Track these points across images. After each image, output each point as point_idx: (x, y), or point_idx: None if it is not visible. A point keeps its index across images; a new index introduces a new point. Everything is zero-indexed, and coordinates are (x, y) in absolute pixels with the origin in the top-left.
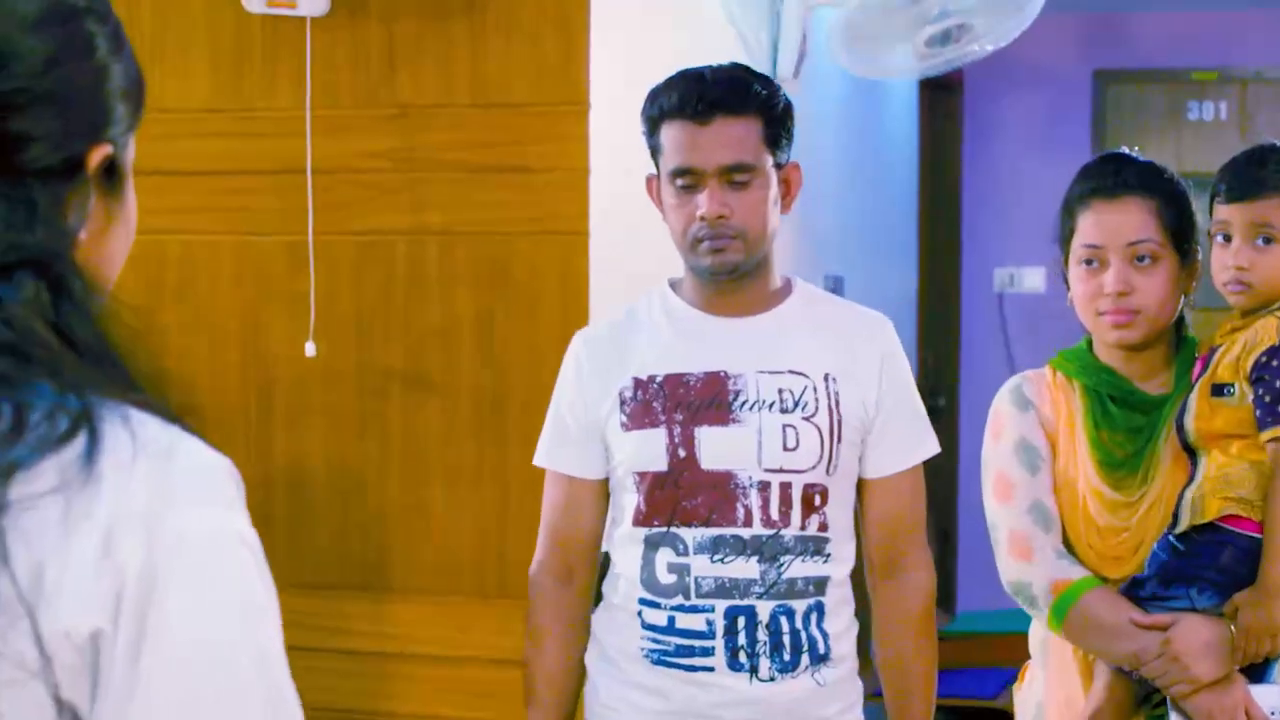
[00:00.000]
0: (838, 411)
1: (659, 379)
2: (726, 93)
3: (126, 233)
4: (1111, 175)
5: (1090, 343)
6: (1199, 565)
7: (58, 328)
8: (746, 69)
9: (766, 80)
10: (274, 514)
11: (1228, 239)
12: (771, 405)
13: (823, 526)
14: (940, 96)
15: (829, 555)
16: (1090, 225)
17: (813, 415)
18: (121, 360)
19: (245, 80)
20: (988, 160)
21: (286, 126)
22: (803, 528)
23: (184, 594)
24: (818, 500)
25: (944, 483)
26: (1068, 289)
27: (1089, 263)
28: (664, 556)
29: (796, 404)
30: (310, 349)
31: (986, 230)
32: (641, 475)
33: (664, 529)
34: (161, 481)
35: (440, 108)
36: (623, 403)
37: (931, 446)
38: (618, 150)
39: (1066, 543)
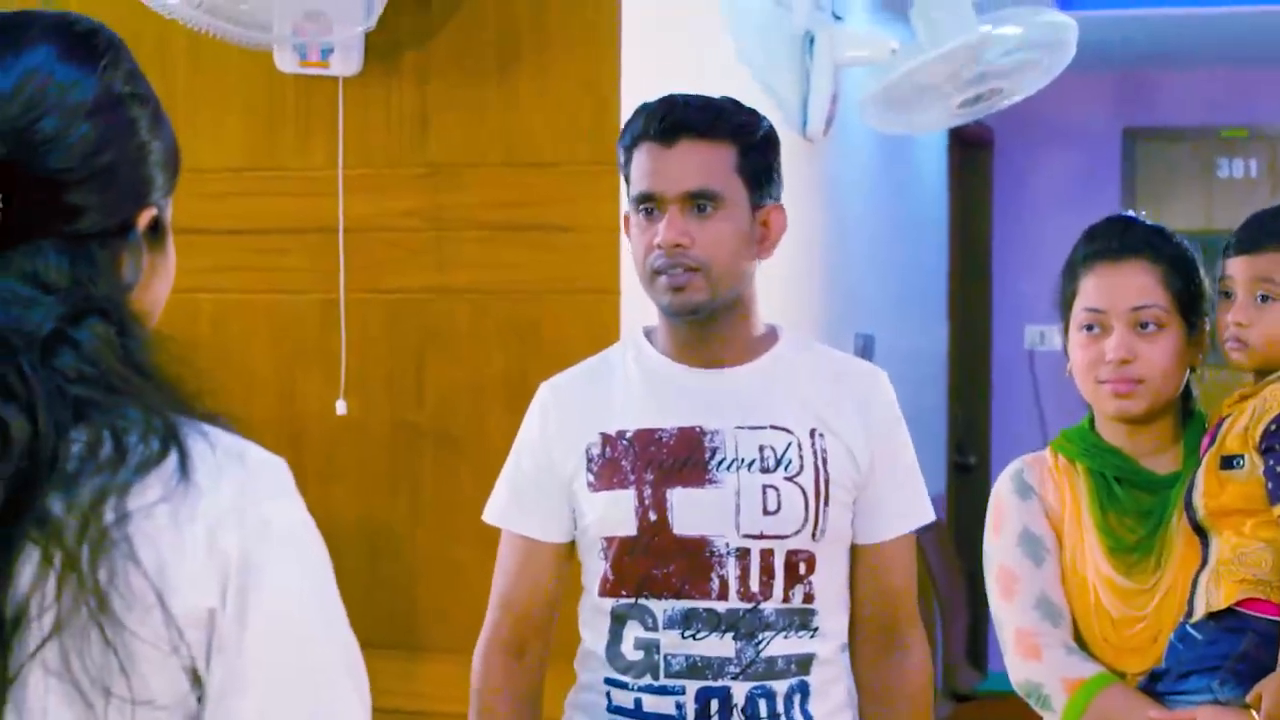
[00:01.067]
0: (825, 470)
1: (629, 434)
2: (695, 114)
3: (167, 282)
4: (1116, 237)
5: (1092, 421)
6: (1218, 654)
7: (127, 362)
8: (734, 101)
9: (750, 111)
10: None
11: (1228, 295)
12: (751, 464)
13: (808, 598)
14: (971, 154)
15: (816, 629)
16: (1092, 288)
17: (797, 475)
18: (176, 384)
19: (278, 140)
20: (1018, 218)
21: (319, 186)
22: (785, 599)
23: (273, 572)
24: (803, 568)
25: (975, 538)
26: (1067, 358)
27: (1090, 328)
28: (632, 631)
29: (779, 462)
30: (341, 407)
31: (1017, 288)
32: (609, 540)
33: (631, 600)
34: (242, 481)
35: (472, 167)
36: (590, 460)
37: (927, 513)
38: None
39: (1079, 638)
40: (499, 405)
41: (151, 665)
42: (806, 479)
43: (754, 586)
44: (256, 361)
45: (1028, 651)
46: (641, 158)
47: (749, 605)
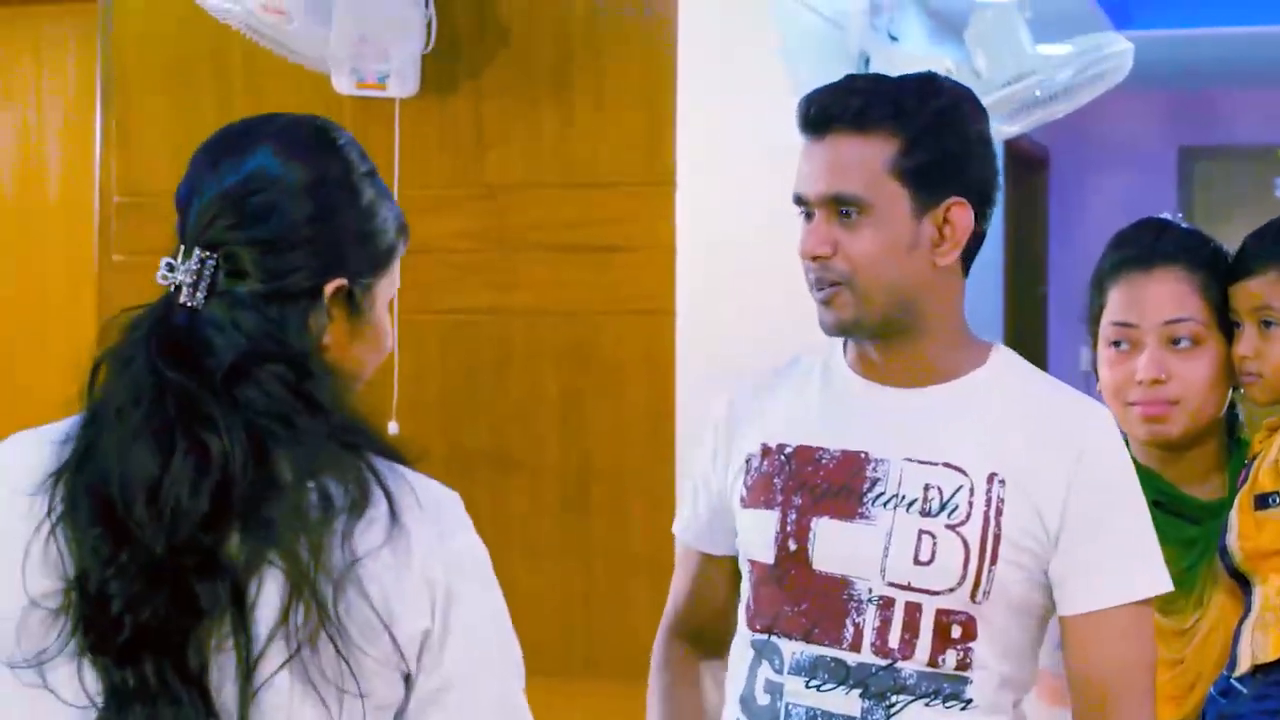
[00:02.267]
0: (996, 523)
1: (789, 449)
2: (846, 101)
3: (374, 347)
4: (1148, 243)
5: (1129, 441)
6: (1266, 711)
7: (303, 399)
8: (920, 80)
9: (928, 92)
10: None
11: (1238, 326)
12: (911, 504)
13: (963, 665)
14: (1026, 173)
15: (969, 703)
16: (1121, 300)
17: (960, 524)
18: (354, 422)
19: None
20: (1074, 237)
21: None
22: (932, 664)
23: (469, 595)
24: (957, 632)
25: None
26: (1096, 377)
27: (1118, 344)
28: (763, 672)
29: (943, 507)
30: (393, 427)
31: (1073, 309)
32: (752, 564)
33: (765, 636)
34: (436, 518)
35: (528, 187)
36: (747, 471)
37: (1154, 582)
38: (704, 229)
39: None
40: (554, 426)
41: (377, 675)
42: (971, 530)
43: (892, 642)
44: None
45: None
46: (801, 152)
47: (884, 662)
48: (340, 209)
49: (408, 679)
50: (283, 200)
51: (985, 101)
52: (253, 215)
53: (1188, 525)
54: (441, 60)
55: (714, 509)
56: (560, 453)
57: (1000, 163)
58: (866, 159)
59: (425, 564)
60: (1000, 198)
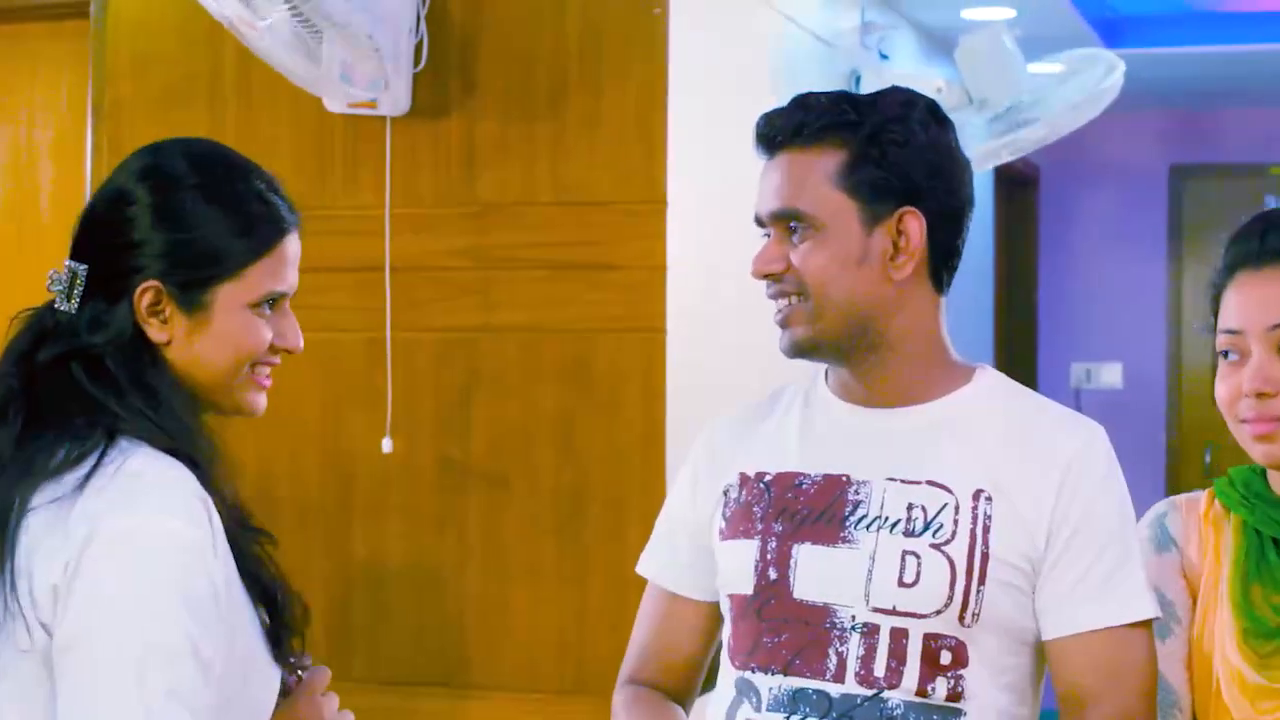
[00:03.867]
0: (984, 542)
1: (768, 477)
2: (791, 117)
3: (224, 345)
4: (1256, 239)
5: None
6: None
7: (101, 384)
8: (871, 93)
9: (873, 102)
10: (352, 609)
11: (1227, 355)
12: (895, 525)
13: (954, 695)
14: (1017, 191)
15: None
16: (1230, 305)
17: (946, 543)
18: (160, 414)
19: (326, 179)
20: (1064, 255)
21: (366, 225)
22: (921, 693)
23: (103, 570)
24: (946, 658)
25: None
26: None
27: (1226, 354)
28: (743, 712)
29: (927, 526)
30: (387, 445)
31: (1063, 325)
32: (732, 599)
33: (743, 673)
34: (119, 495)
35: (520, 206)
36: (726, 504)
37: (1147, 606)
38: (696, 248)
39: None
40: (547, 444)
41: (17, 617)
42: (957, 549)
43: (878, 670)
44: (303, 399)
45: None
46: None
47: (869, 692)
48: (136, 222)
49: (48, 630)
50: (101, 215)
51: (978, 144)
52: (83, 230)
53: None
54: (433, 79)
55: (696, 549)
56: (554, 471)
57: (990, 181)
58: (812, 173)
59: (74, 528)
60: (989, 213)
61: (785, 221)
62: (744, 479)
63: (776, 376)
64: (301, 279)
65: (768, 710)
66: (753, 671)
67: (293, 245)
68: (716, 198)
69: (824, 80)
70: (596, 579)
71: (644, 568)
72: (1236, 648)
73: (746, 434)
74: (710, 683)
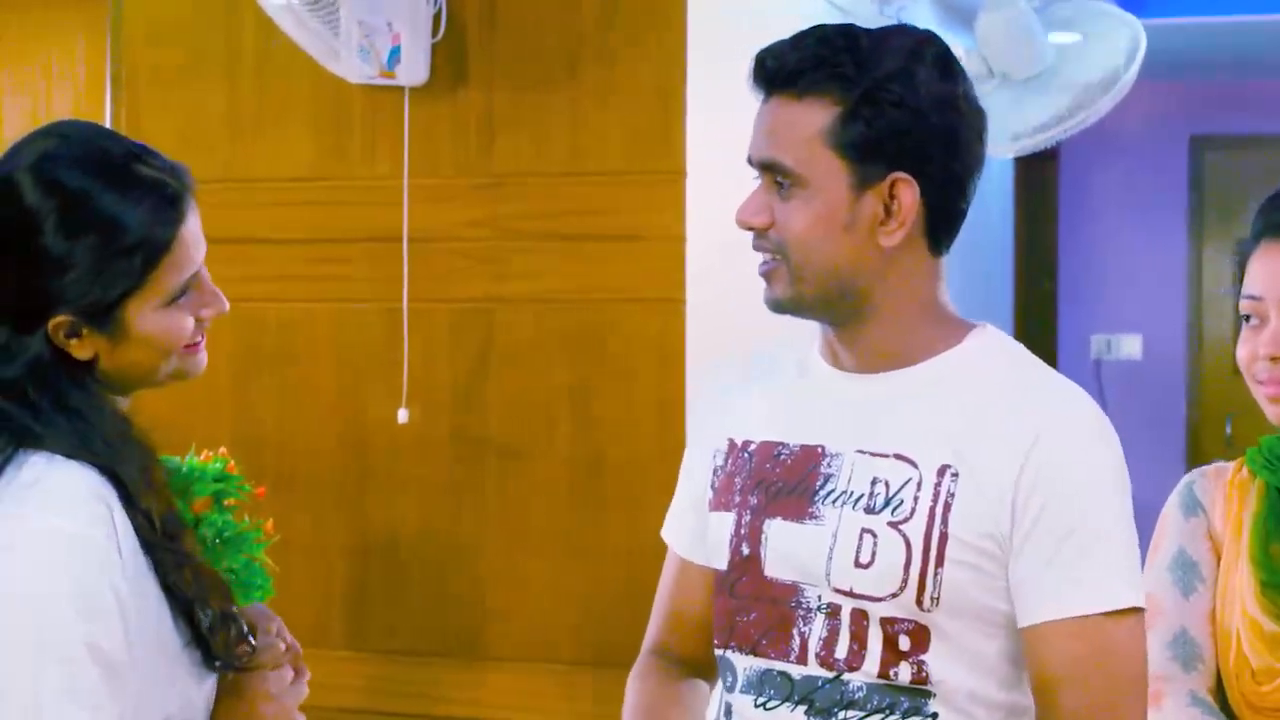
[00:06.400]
0: (944, 520)
1: (752, 446)
2: (788, 59)
3: (142, 350)
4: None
5: None
6: None
7: (30, 412)
8: (873, 34)
9: (875, 51)
10: (369, 581)
11: (1249, 320)
12: (858, 500)
13: (919, 679)
14: (1036, 164)
15: (933, 718)
16: (1254, 271)
17: (904, 521)
18: (82, 432)
19: (345, 149)
20: (1084, 227)
21: (384, 195)
22: (884, 676)
23: None
24: (905, 643)
25: None
26: None
27: (1248, 319)
28: (722, 693)
29: (887, 502)
30: (403, 415)
31: (1083, 297)
32: (716, 573)
33: (722, 651)
34: (9, 500)
35: (537, 176)
36: (715, 472)
37: (1122, 594)
38: (714, 218)
39: (1224, 688)
40: (563, 414)
41: None
42: (914, 528)
43: (839, 653)
44: (320, 370)
45: (1150, 696)
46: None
47: (829, 674)
48: (25, 264)
49: None
50: (10, 233)
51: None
52: None
53: None
54: (451, 49)
55: (699, 514)
56: (570, 442)
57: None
58: (801, 127)
59: None
60: (1009, 184)
61: (772, 173)
62: (731, 446)
63: (796, 347)
64: (319, 249)
65: (740, 692)
66: (730, 650)
67: (190, 225)
68: (736, 167)
69: None
70: (613, 549)
71: (664, 530)
72: (1255, 600)
73: (741, 398)
74: None
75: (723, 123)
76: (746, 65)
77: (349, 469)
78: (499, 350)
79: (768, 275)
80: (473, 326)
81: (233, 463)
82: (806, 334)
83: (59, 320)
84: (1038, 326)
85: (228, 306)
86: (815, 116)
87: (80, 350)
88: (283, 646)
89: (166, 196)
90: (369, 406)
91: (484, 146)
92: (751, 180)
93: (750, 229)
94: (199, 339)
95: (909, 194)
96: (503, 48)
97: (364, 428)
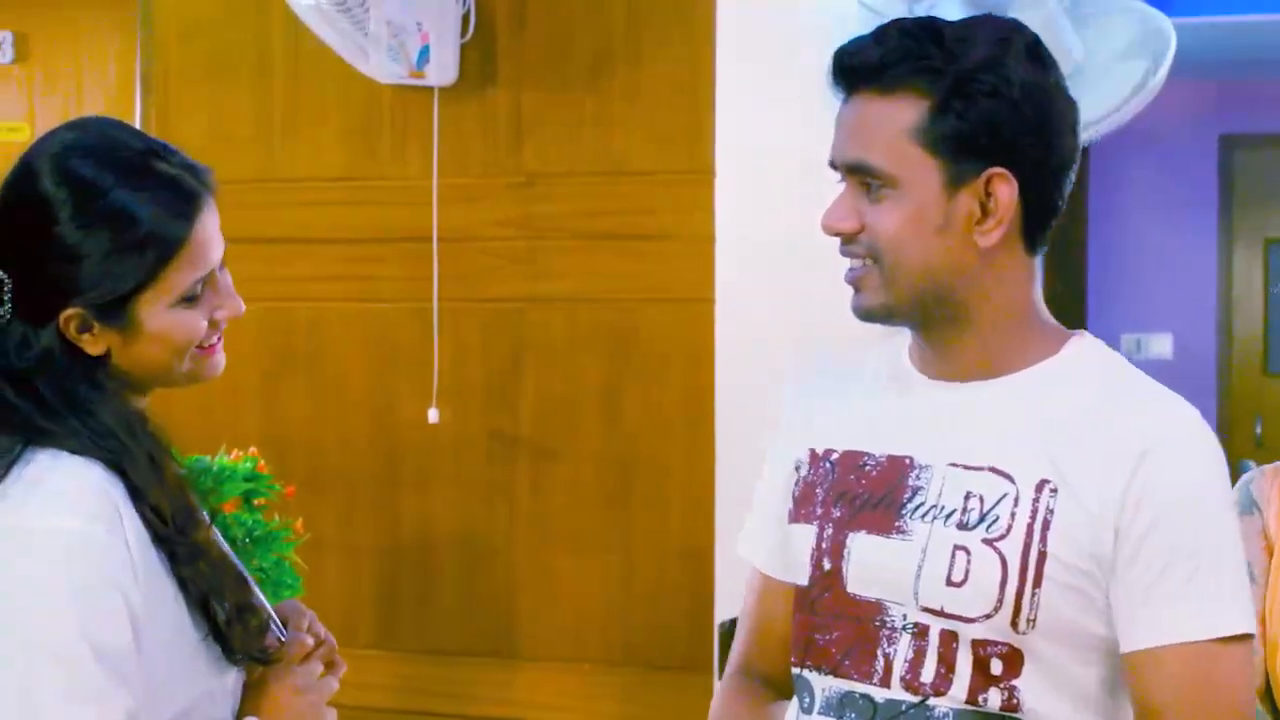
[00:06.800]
0: (1042, 538)
1: (835, 456)
2: (870, 54)
3: (153, 347)
4: None
5: None
6: None
7: (39, 408)
8: (958, 25)
9: (963, 41)
10: (399, 580)
11: None
12: (950, 515)
13: (1010, 706)
14: None
15: None
16: None
17: (999, 538)
18: (90, 428)
19: (375, 150)
20: (1114, 225)
21: (414, 195)
22: (972, 701)
23: None
24: (998, 667)
25: None
26: None
27: None
28: (798, 713)
29: (982, 518)
30: (433, 415)
31: (1113, 296)
32: (796, 589)
33: (799, 670)
34: (15, 497)
35: (566, 176)
36: (796, 481)
37: (1233, 620)
38: (743, 217)
39: (1271, 694)
40: (594, 413)
41: None
42: (1011, 546)
43: (925, 676)
44: (351, 369)
45: None
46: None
47: (914, 699)
48: (56, 244)
49: None
50: (21, 225)
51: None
52: (2, 237)
53: None
54: (480, 49)
55: (777, 525)
56: (600, 441)
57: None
58: (889, 124)
59: None
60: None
61: (859, 175)
62: (813, 455)
63: (826, 347)
64: (349, 249)
65: (818, 713)
66: (808, 669)
67: (206, 224)
68: (765, 167)
69: None
70: (643, 549)
71: (741, 545)
72: None
73: (822, 402)
74: None
75: (752, 122)
76: (772, 66)
77: (379, 468)
78: (529, 350)
79: (857, 282)
80: (503, 326)
81: (263, 462)
82: (836, 337)
83: (70, 313)
84: (1068, 326)
85: (243, 309)
86: (903, 112)
87: (92, 345)
88: (311, 641)
89: (182, 194)
90: (400, 406)
91: (513, 146)
92: (835, 183)
93: (838, 234)
94: (214, 340)
95: (1007, 190)
96: (532, 48)
97: (394, 427)
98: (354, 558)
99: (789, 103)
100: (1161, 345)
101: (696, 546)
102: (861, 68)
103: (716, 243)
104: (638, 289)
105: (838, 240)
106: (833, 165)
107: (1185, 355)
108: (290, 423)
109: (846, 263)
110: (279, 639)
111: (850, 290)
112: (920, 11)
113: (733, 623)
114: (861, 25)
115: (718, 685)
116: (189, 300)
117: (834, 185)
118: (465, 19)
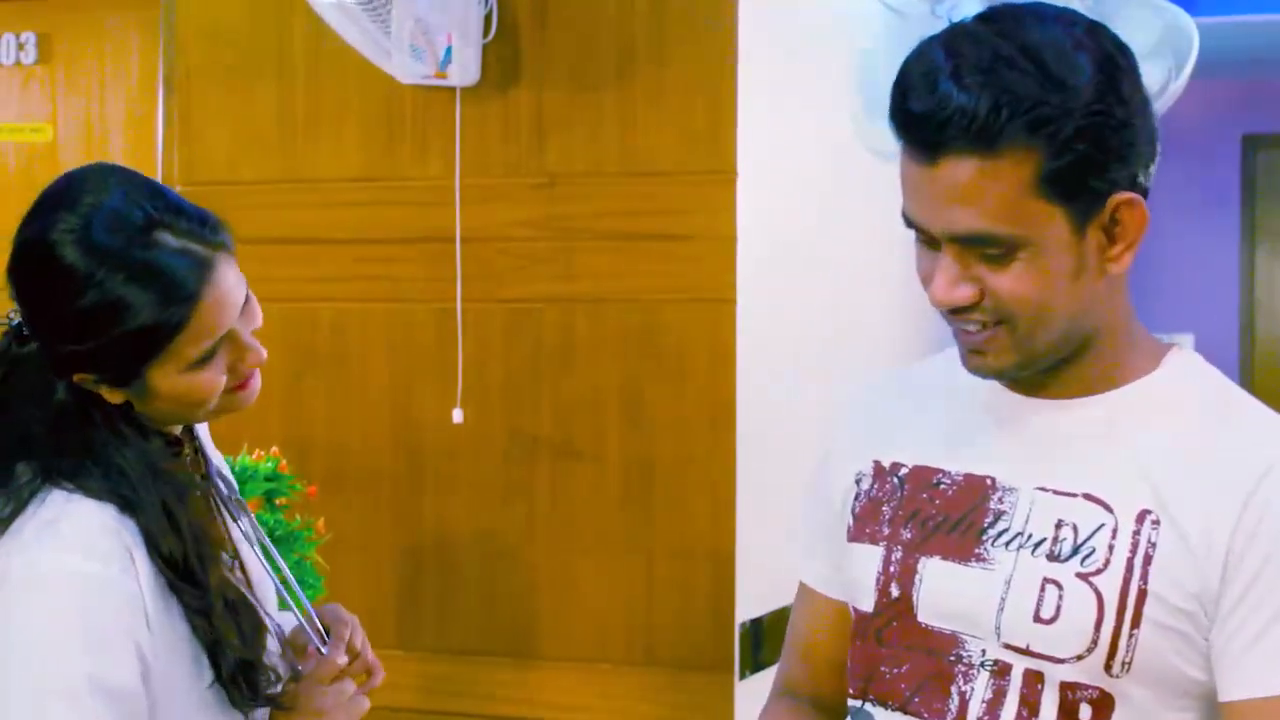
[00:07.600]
0: (1143, 574)
1: (904, 471)
2: (961, 113)
3: (169, 405)
4: None
5: None
6: None
7: (55, 452)
8: (1041, 51)
9: (1063, 72)
10: (421, 580)
11: None
12: (1039, 545)
13: None
14: None
15: None
16: None
17: (1096, 573)
18: (103, 472)
19: (396, 150)
20: None
21: (436, 195)
22: None
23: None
24: (1086, 712)
25: None
26: None
27: None
28: None
29: (1075, 550)
30: (457, 415)
31: (1134, 296)
32: (855, 613)
33: (859, 702)
34: (28, 535)
35: (589, 176)
36: (856, 496)
37: None
38: (765, 218)
39: None
40: (616, 415)
41: None
42: (1109, 582)
43: (1004, 718)
44: (373, 371)
45: None
46: (903, 160)
47: None
48: (48, 325)
49: None
50: (38, 289)
51: None
52: (20, 292)
53: None
54: (502, 49)
55: (830, 540)
56: (623, 442)
57: None
58: (1005, 186)
59: None
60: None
61: (976, 246)
62: (878, 469)
63: (848, 347)
64: (372, 249)
65: None
66: (870, 703)
67: (217, 288)
68: (787, 167)
69: (895, 47)
70: (664, 551)
71: (798, 561)
72: None
73: (889, 411)
74: None
75: (774, 123)
76: (795, 66)
77: (401, 469)
78: (551, 350)
79: (982, 347)
80: (525, 326)
81: (284, 462)
82: (861, 340)
83: (82, 377)
84: None
85: (265, 355)
86: (1018, 169)
87: (111, 396)
88: (344, 661)
89: (186, 270)
90: (422, 406)
91: (535, 146)
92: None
93: (955, 308)
94: (244, 377)
95: (1135, 212)
96: (554, 48)
97: (416, 428)
98: (375, 557)
99: (812, 103)
100: (1183, 346)
101: (718, 547)
102: (955, 130)
103: (739, 243)
104: (660, 289)
105: (862, 246)
106: (930, 236)
107: (1207, 356)
108: (312, 423)
109: (868, 263)
110: (318, 649)
111: (961, 350)
112: (944, 13)
113: (754, 623)
114: (884, 25)
115: (761, 708)
116: (204, 361)
117: (855, 186)
118: (487, 19)
